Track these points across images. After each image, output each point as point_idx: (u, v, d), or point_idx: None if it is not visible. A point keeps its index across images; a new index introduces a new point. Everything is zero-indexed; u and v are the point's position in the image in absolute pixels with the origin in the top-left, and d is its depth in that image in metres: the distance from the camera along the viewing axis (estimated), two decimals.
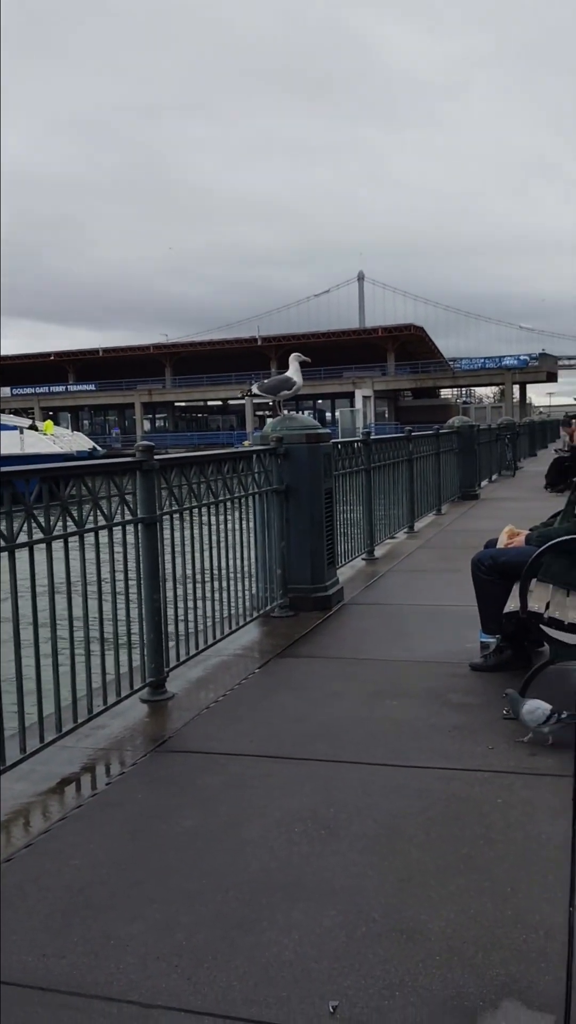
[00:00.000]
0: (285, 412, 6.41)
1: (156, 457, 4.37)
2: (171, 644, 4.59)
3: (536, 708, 3.56)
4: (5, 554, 3.30)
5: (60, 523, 3.66)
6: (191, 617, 4.82)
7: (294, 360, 6.54)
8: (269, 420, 6.50)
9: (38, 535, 3.52)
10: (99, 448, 40.48)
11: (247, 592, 5.77)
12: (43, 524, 3.54)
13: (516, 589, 4.22)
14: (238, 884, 2.55)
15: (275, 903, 2.45)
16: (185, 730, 3.91)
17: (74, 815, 3.10)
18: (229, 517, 5.39)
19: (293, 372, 6.49)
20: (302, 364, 6.60)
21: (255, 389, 6.54)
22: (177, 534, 4.75)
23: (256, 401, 63.24)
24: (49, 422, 40.86)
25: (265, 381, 6.56)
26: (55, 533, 3.62)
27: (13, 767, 3.29)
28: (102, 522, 4.01)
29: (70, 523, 3.74)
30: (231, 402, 73.65)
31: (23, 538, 3.41)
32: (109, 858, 2.76)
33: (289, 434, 6.22)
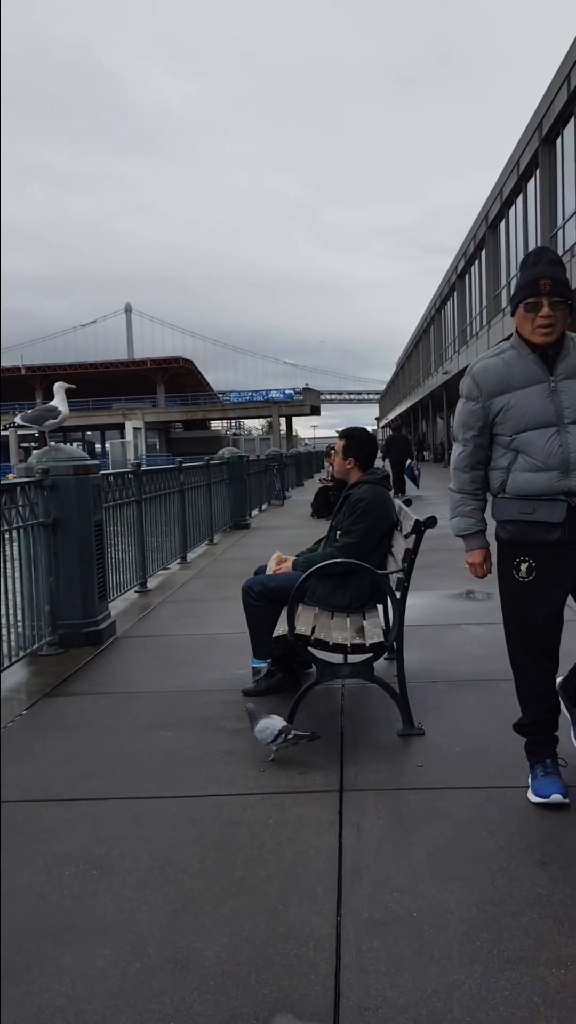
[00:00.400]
0: (52, 443, 6.25)
1: None
2: None
3: (266, 728, 3.69)
4: None
5: None
6: None
7: (59, 389, 6.42)
8: (35, 452, 6.31)
9: None
10: None
11: (13, 631, 5.54)
12: None
13: (284, 613, 4.37)
14: (6, 933, 2.44)
15: (46, 949, 2.37)
16: None
17: None
18: None
19: (59, 401, 6.36)
20: (67, 392, 6.48)
21: (19, 420, 6.34)
22: None
23: (21, 433, 61.00)
24: None
25: (29, 411, 6.38)
26: None
27: None
28: None
29: None
30: None
31: None
32: None
33: (56, 466, 6.08)
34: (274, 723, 3.71)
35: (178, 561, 10.52)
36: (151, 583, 8.83)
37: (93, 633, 6.20)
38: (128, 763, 3.80)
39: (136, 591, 8.43)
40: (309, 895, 2.61)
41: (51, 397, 6.53)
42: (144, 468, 9.14)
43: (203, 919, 2.50)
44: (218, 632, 6.46)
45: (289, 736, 3.67)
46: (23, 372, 66.37)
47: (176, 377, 70.57)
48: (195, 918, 2.50)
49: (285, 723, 3.74)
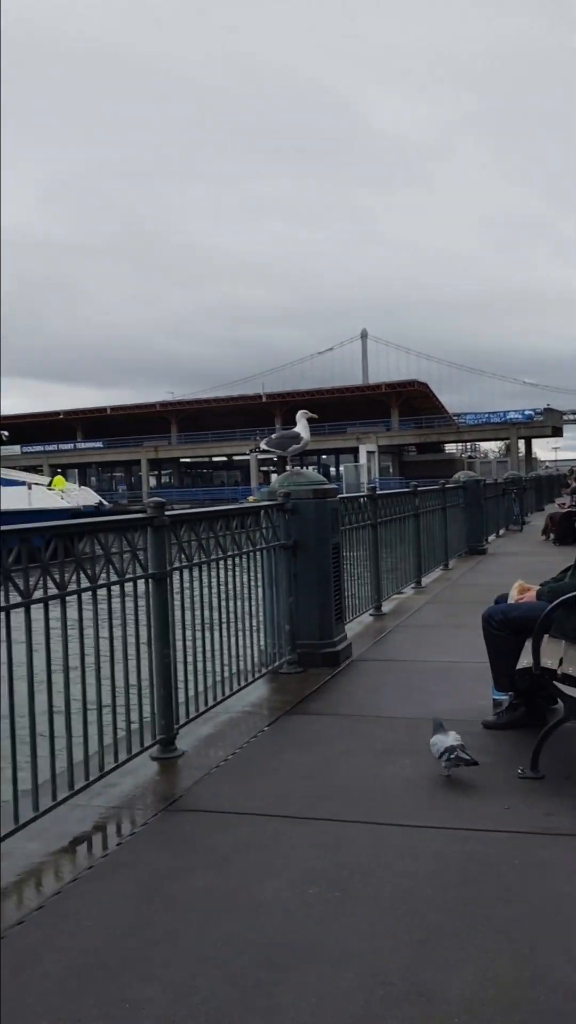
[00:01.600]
0: (292, 468, 6.47)
1: (166, 513, 4.43)
2: (181, 701, 4.58)
3: (437, 743, 3.85)
4: (22, 610, 3.33)
5: (73, 579, 3.70)
6: (201, 673, 4.83)
7: (301, 417, 6.64)
8: (275, 476, 6.57)
9: (53, 591, 3.55)
10: (105, 503, 40.64)
11: (255, 648, 5.77)
12: (57, 580, 3.58)
13: (528, 645, 4.22)
14: (254, 946, 2.52)
15: (292, 966, 2.42)
16: (196, 789, 3.89)
17: (86, 876, 3.08)
18: (237, 572, 5.42)
19: (301, 428, 6.58)
20: (309, 420, 6.69)
21: (263, 445, 6.62)
22: (187, 589, 4.77)
23: (261, 457, 63.71)
24: (60, 477, 41.10)
25: (273, 437, 6.65)
26: (69, 589, 3.66)
27: (26, 825, 3.27)
28: (114, 578, 4.04)
29: (83, 579, 3.78)
30: (236, 458, 74.17)
31: (39, 594, 3.44)
32: (122, 919, 2.73)
33: (296, 489, 6.28)
34: (446, 740, 3.84)
35: (412, 585, 10.49)
36: (386, 607, 8.86)
37: (330, 654, 6.31)
38: (367, 787, 3.82)
39: (371, 614, 8.49)
40: (561, 943, 2.48)
41: (290, 423, 6.76)
42: (379, 492, 9.21)
43: (446, 954, 2.45)
44: (455, 660, 6.35)
45: (452, 756, 3.77)
46: (264, 400, 69.32)
47: (410, 400, 70.73)
48: (438, 952, 2.46)
49: (457, 743, 3.83)
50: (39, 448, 71.59)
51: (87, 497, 38.66)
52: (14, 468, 45.69)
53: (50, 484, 37.27)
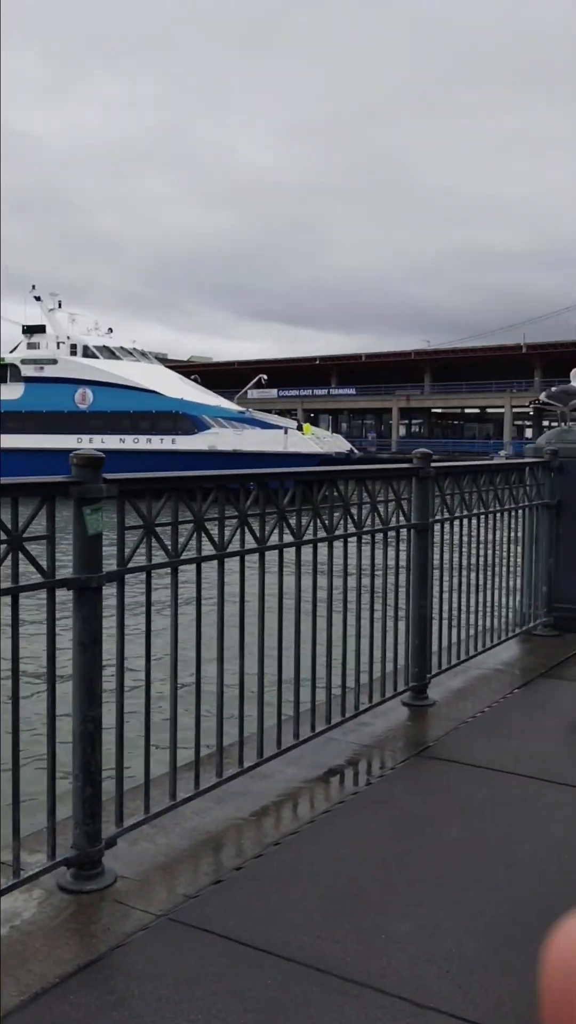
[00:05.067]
0: (570, 424, 6.19)
1: (431, 465, 4.42)
2: (433, 651, 4.61)
3: None
4: (294, 550, 3.48)
5: (341, 524, 3.82)
6: (455, 626, 4.82)
7: None
8: (529, 431, 6.32)
9: (322, 534, 3.68)
10: (356, 451, 41.30)
11: (511, 607, 5.65)
12: (327, 524, 3.70)
13: None
14: (508, 901, 2.53)
15: (546, 927, 2.39)
16: (447, 739, 3.92)
17: (341, 808, 3.21)
18: (498, 529, 5.31)
19: None
20: None
21: (544, 397, 6.39)
22: (447, 542, 4.76)
23: (520, 411, 61.57)
24: (308, 425, 42.31)
25: (554, 389, 6.39)
26: (337, 533, 3.77)
27: (287, 751, 3.47)
28: (379, 525, 4.11)
29: (351, 525, 3.88)
30: (489, 410, 72.22)
31: (308, 535, 3.59)
32: (377, 854, 2.83)
33: (565, 447, 6.01)
34: None
35: None
36: None
37: None
38: None
39: None
40: None
41: (551, 377, 6.50)
42: None
43: None
44: None
45: None
46: (524, 351, 66.69)
47: None
48: None
49: None
50: (294, 392, 73.71)
51: (338, 444, 39.49)
52: (270, 411, 47.48)
53: (300, 429, 38.43)
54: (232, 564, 3.19)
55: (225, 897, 2.54)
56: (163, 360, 56.02)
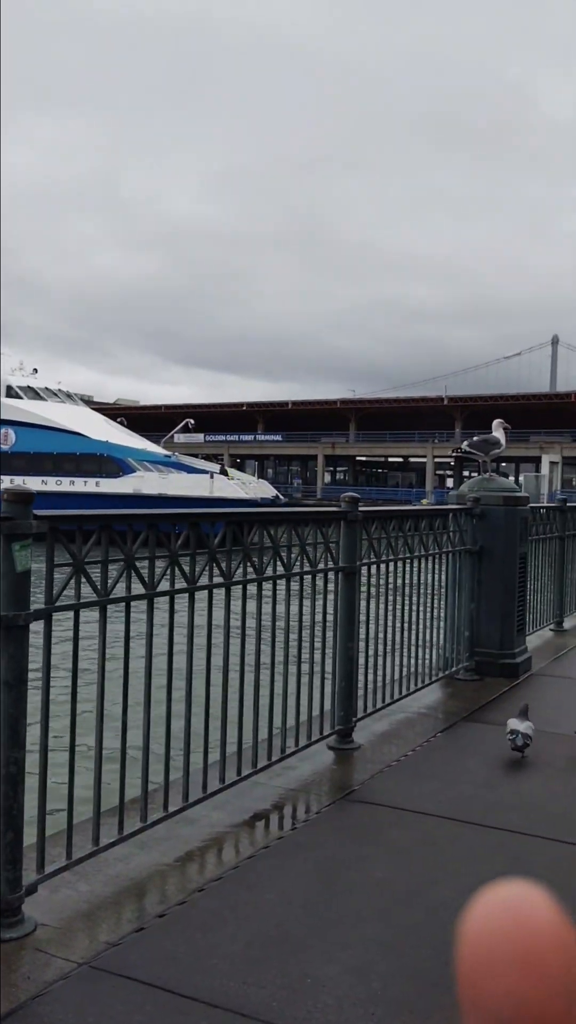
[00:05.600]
0: (489, 473, 6.38)
1: (359, 509, 4.49)
2: (359, 695, 4.64)
3: (509, 726, 4.27)
4: (223, 590, 3.49)
5: (270, 567, 3.84)
6: (380, 670, 4.87)
7: (498, 426, 6.54)
8: (450, 480, 6.51)
9: (251, 575, 3.70)
10: (281, 496, 41.52)
11: (434, 651, 5.74)
12: (256, 566, 3.73)
13: None
14: (433, 943, 2.54)
15: None
16: (372, 782, 3.93)
17: (266, 852, 3.19)
18: (421, 574, 5.41)
19: (499, 435, 6.49)
20: (504, 429, 6.58)
21: (465, 446, 6.57)
22: (372, 587, 4.82)
23: (441, 460, 62.92)
24: (230, 470, 42.47)
25: (475, 439, 6.59)
26: (266, 574, 3.80)
27: (213, 795, 3.43)
28: (307, 567, 4.15)
29: (280, 566, 3.91)
30: (412, 459, 73.67)
31: (238, 575, 3.60)
32: (302, 897, 2.81)
33: (487, 495, 6.19)
34: (515, 724, 4.26)
35: None
36: (568, 623, 8.57)
37: (509, 665, 6.18)
38: (550, 803, 3.74)
39: (551, 629, 8.23)
40: None
41: (471, 428, 6.72)
42: (570, 504, 8.91)
43: None
44: None
45: (512, 737, 4.22)
46: (445, 402, 68.44)
47: None
48: None
49: (523, 732, 4.22)
50: (221, 438, 73.95)
51: (264, 490, 39.65)
52: (197, 456, 47.49)
53: (224, 474, 38.51)
54: (162, 604, 3.18)
55: (149, 944, 2.49)
56: (89, 402, 55.60)
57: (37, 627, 2.64)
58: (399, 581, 5.08)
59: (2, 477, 36.11)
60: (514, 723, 4.28)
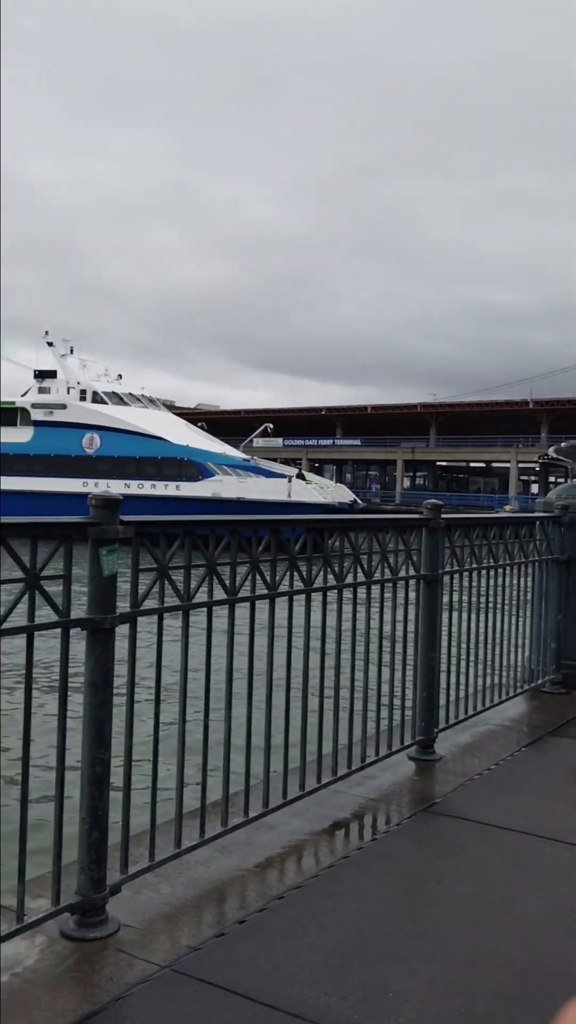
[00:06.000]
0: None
1: (441, 516, 4.43)
2: (440, 705, 4.57)
3: None
4: (303, 597, 3.49)
5: (351, 573, 3.82)
6: (462, 681, 4.79)
7: None
8: (535, 486, 6.36)
9: (331, 582, 3.69)
10: (359, 501, 41.41)
11: (519, 662, 5.62)
12: (337, 572, 3.71)
13: None
14: (517, 962, 2.48)
15: (556, 989, 2.35)
16: (454, 795, 3.87)
17: (346, 862, 3.16)
18: (506, 583, 5.31)
19: None
20: None
21: (552, 452, 6.47)
22: (455, 595, 4.75)
23: (522, 465, 61.79)
24: (308, 474, 42.56)
25: (564, 445, 6.47)
26: (346, 581, 3.78)
27: (292, 802, 3.43)
28: (388, 575, 4.11)
29: (360, 574, 3.88)
30: (495, 465, 72.56)
31: (318, 582, 3.59)
32: (383, 908, 2.78)
33: (575, 503, 6.03)
34: None
35: None
36: None
37: None
38: None
39: None
40: None
41: (557, 433, 6.53)
42: None
43: None
44: None
45: None
46: (531, 406, 67.19)
47: None
48: None
49: None
50: (299, 442, 74.20)
51: (342, 494, 39.61)
52: (275, 460, 47.73)
53: (302, 478, 38.59)
54: (242, 610, 3.19)
55: (229, 950, 2.49)
56: (170, 407, 56.48)
57: (122, 630, 2.68)
58: (483, 590, 4.99)
59: (88, 480, 37.03)
60: None
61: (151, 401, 44.57)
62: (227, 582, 3.12)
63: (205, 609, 3.04)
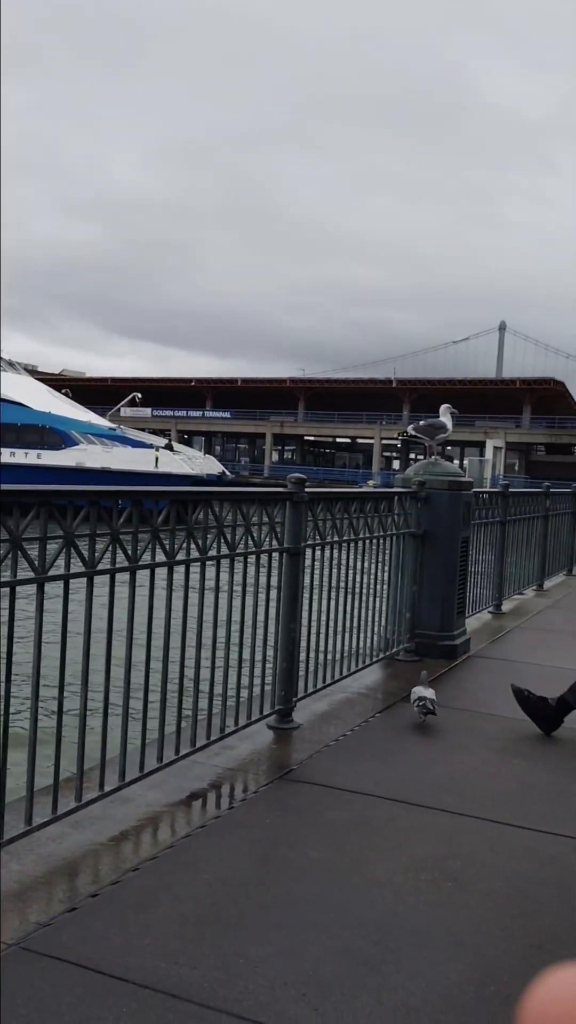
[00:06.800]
0: (435, 457, 6.42)
1: (305, 490, 4.48)
2: (299, 675, 4.65)
3: (415, 692, 4.60)
4: (165, 569, 3.46)
5: (214, 546, 3.81)
6: (320, 650, 4.88)
7: (445, 411, 6.59)
8: (396, 463, 6.55)
9: (195, 554, 3.67)
10: (228, 473, 41.38)
11: (375, 632, 5.78)
12: (200, 544, 3.70)
13: None
14: (364, 922, 2.56)
15: (401, 947, 2.45)
16: (310, 762, 3.95)
17: (202, 832, 3.18)
18: (365, 556, 5.43)
19: (446, 419, 6.53)
20: (452, 415, 6.63)
21: (411, 430, 6.61)
22: (316, 567, 4.83)
23: (385, 442, 63.34)
24: (177, 445, 42.18)
25: (421, 423, 6.62)
26: (210, 554, 3.77)
27: (149, 775, 3.41)
28: (252, 548, 4.13)
29: (224, 546, 3.88)
30: (360, 440, 74.02)
31: (181, 555, 3.57)
32: (238, 877, 2.81)
33: (432, 479, 6.23)
34: (421, 692, 4.56)
35: (534, 588, 10.26)
36: (506, 606, 8.71)
37: (448, 647, 6.27)
38: (482, 784, 3.80)
39: (490, 612, 8.37)
40: None
41: (419, 411, 6.78)
42: (512, 490, 9.04)
43: (563, 959, 2.42)
44: (573, 667, 6.18)
45: (421, 703, 4.51)
46: (394, 385, 68.81)
47: (544, 399, 68.70)
48: (553, 957, 2.43)
49: (430, 698, 4.51)
50: (169, 413, 73.33)
51: (211, 466, 39.46)
52: (144, 430, 47.00)
53: (170, 448, 38.20)
54: (101, 583, 3.13)
55: (80, 925, 2.47)
56: (33, 372, 54.55)
57: None
58: (343, 563, 5.09)
59: None
60: (419, 690, 4.61)
61: (10, 364, 42.86)
62: (86, 555, 3.05)
63: (62, 583, 2.96)
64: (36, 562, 2.83)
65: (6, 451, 36.68)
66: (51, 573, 2.89)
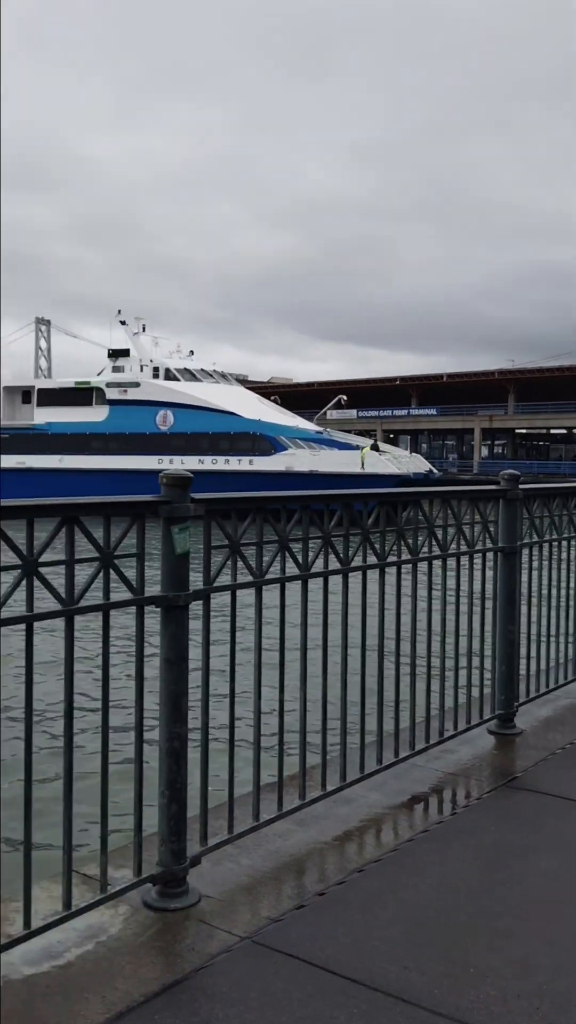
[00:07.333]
0: None
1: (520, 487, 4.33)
2: (521, 678, 4.49)
3: None
4: (377, 571, 3.46)
5: (425, 546, 3.76)
6: (543, 654, 4.70)
7: None
8: None
9: (406, 556, 3.64)
10: (435, 471, 40.93)
11: None
12: (411, 545, 3.66)
13: None
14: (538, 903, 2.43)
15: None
16: (536, 770, 3.81)
17: (425, 836, 3.15)
18: None
19: None
20: None
21: None
22: (535, 567, 4.65)
23: None
24: (382, 444, 42.21)
25: None
26: (421, 555, 3.72)
27: (370, 776, 3.42)
28: (464, 548, 4.04)
29: (435, 547, 3.82)
30: None
31: (392, 557, 3.55)
32: (464, 884, 2.76)
33: None
34: None
35: None
36: None
37: None
38: None
39: None
40: None
41: None
42: None
43: None
44: None
45: None
46: None
47: None
48: None
49: None
50: (374, 413, 73.56)
51: (417, 464, 39.21)
52: (350, 432, 47.48)
53: (376, 448, 38.28)
54: (315, 585, 3.17)
55: (309, 922, 2.51)
56: (243, 381, 56.61)
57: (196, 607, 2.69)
58: (565, 561, 4.86)
59: (163, 457, 37.52)
60: None
61: (223, 376, 44.75)
62: (299, 558, 3.10)
63: (278, 585, 3.04)
64: (254, 566, 2.92)
65: (220, 459, 38.34)
66: (268, 577, 2.96)
